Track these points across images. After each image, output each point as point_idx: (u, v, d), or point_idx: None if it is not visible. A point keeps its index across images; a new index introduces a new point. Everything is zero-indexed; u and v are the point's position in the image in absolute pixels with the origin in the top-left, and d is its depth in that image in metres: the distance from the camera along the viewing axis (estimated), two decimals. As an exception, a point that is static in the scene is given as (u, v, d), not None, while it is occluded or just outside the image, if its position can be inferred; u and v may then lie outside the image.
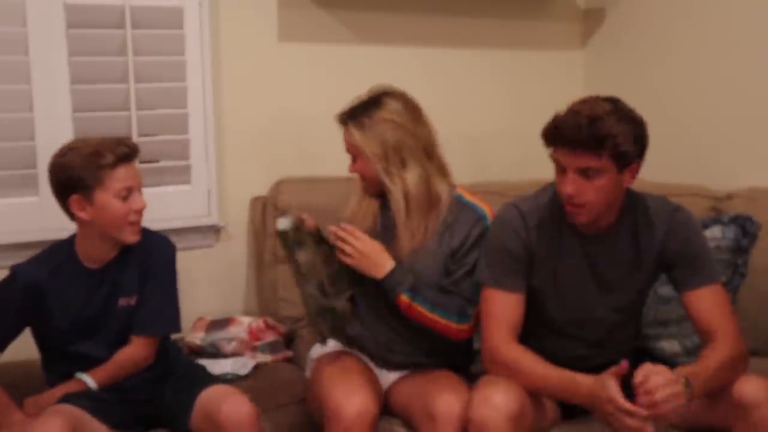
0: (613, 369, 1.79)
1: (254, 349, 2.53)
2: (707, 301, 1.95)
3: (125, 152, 2.00)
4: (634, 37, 3.11)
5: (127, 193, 2.00)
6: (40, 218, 2.41)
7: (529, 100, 3.15)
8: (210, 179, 2.69)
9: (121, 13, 2.49)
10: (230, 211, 2.75)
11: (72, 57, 2.45)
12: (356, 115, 2.10)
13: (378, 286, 2.12)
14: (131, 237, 2.03)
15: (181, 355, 2.31)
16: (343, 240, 2.08)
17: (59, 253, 2.09)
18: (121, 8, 2.49)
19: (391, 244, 2.12)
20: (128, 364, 2.08)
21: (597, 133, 1.79)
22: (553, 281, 2.02)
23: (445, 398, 1.97)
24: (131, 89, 2.53)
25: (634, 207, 2.00)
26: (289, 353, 2.57)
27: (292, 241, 2.08)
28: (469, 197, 2.18)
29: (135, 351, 2.09)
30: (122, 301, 2.08)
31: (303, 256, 2.10)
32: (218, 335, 2.52)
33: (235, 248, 2.78)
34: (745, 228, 2.45)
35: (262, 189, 2.72)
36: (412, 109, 2.13)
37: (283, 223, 2.07)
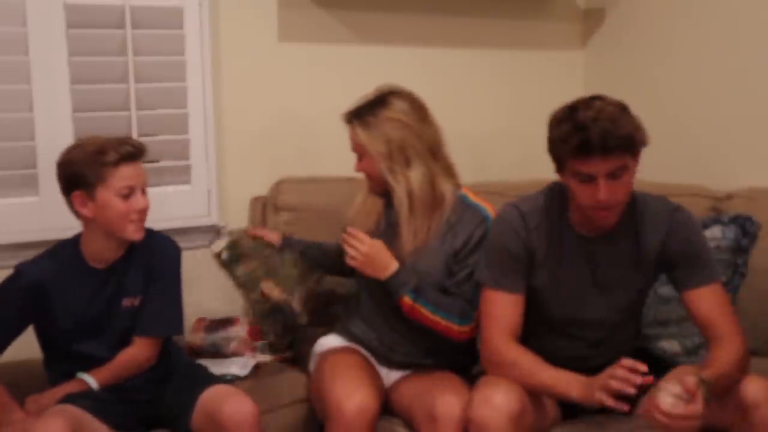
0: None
1: (254, 349, 2.53)
2: (708, 301, 1.95)
3: (129, 151, 2.01)
4: (634, 37, 3.11)
5: (129, 192, 2.00)
6: (40, 218, 2.41)
7: (529, 100, 3.15)
8: (210, 179, 2.69)
9: (121, 13, 2.49)
10: (230, 211, 2.75)
11: (72, 57, 2.44)
12: (362, 114, 2.12)
13: (382, 288, 2.13)
14: (133, 235, 2.03)
15: (183, 355, 2.32)
16: (349, 244, 2.10)
17: (64, 252, 2.09)
18: (121, 8, 2.49)
19: (394, 242, 2.13)
20: (130, 365, 2.09)
21: (626, 132, 1.81)
22: (553, 281, 2.02)
23: (446, 399, 1.97)
24: (131, 89, 2.53)
25: (635, 207, 2.00)
26: (289, 353, 2.57)
27: (228, 260, 2.30)
28: (473, 198, 2.18)
29: (137, 352, 2.10)
30: (126, 302, 2.09)
31: (242, 269, 2.29)
32: (218, 335, 2.52)
33: (236, 248, 2.78)
34: (745, 228, 2.45)
35: (262, 189, 2.71)
36: (418, 109, 2.14)
37: (217, 246, 2.29)
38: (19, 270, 2.06)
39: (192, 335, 2.51)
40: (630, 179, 1.88)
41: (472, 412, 1.84)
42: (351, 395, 1.98)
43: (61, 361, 2.09)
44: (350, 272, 2.25)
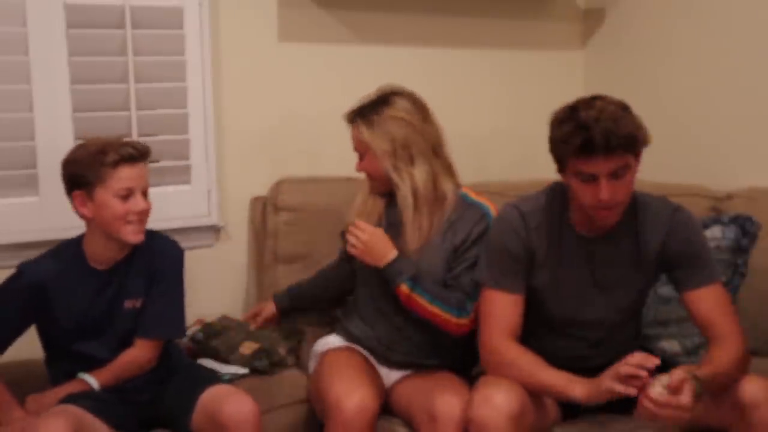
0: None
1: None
2: (708, 301, 1.95)
3: (129, 153, 2.00)
4: (634, 37, 3.11)
5: (128, 194, 2.00)
6: (40, 218, 2.41)
7: (529, 100, 3.15)
8: (210, 179, 2.69)
9: (121, 13, 2.49)
10: (230, 211, 2.75)
11: (72, 57, 2.44)
12: (365, 112, 2.13)
13: (381, 284, 2.14)
14: (131, 237, 2.03)
15: (183, 356, 2.31)
16: (351, 233, 2.13)
17: (67, 252, 2.09)
18: (121, 8, 2.49)
19: (397, 241, 2.14)
20: (132, 367, 2.09)
21: (628, 131, 1.81)
22: (553, 281, 2.02)
23: (446, 399, 1.97)
24: (131, 89, 2.52)
25: (635, 207, 2.00)
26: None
27: (204, 341, 2.41)
28: (474, 196, 2.19)
29: (139, 353, 2.09)
30: (128, 304, 2.09)
31: (222, 343, 2.41)
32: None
33: (235, 248, 2.77)
34: (745, 228, 2.45)
35: (262, 189, 2.71)
36: (421, 108, 2.17)
37: (192, 331, 2.43)
38: (22, 269, 2.06)
39: (191, 328, 2.50)
40: (631, 179, 1.89)
41: (472, 412, 1.84)
42: (350, 394, 1.98)
43: (63, 360, 2.10)
44: (350, 291, 2.32)
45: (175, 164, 2.64)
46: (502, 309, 1.99)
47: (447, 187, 2.16)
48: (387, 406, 2.13)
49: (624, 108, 1.87)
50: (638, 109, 1.90)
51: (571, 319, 2.05)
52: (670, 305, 2.35)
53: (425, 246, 2.13)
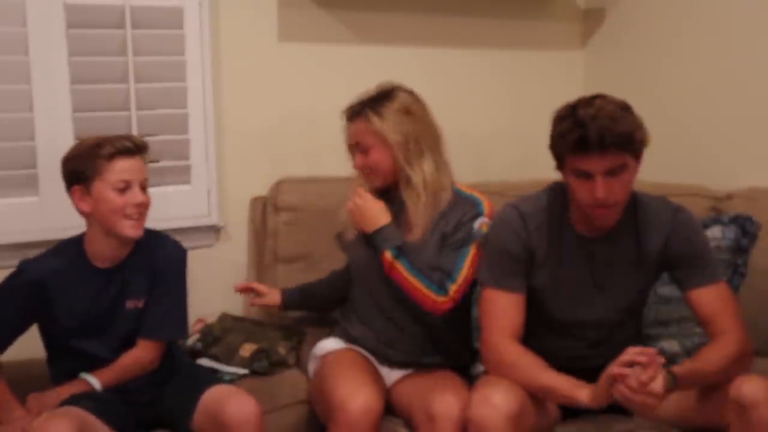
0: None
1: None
2: (710, 300, 1.96)
3: (126, 146, 2.00)
4: (634, 37, 3.11)
5: (125, 186, 1.99)
6: (40, 218, 2.41)
7: (529, 100, 3.15)
8: (210, 179, 2.69)
9: (121, 13, 2.49)
10: (230, 211, 2.75)
11: (72, 57, 2.44)
12: (373, 105, 2.13)
13: (378, 282, 2.15)
14: (129, 231, 2.02)
15: (184, 356, 2.32)
16: (351, 198, 2.16)
17: (68, 250, 2.09)
18: (121, 8, 2.49)
19: None
20: (134, 367, 2.09)
21: (624, 130, 1.82)
22: (553, 281, 2.02)
23: (444, 399, 1.97)
24: (131, 89, 2.53)
25: (635, 207, 2.00)
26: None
27: (203, 350, 2.40)
28: (465, 190, 2.22)
29: (141, 354, 2.09)
30: (129, 303, 2.08)
31: (219, 349, 2.40)
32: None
33: (235, 248, 2.77)
34: (745, 228, 2.45)
35: (262, 189, 2.71)
36: (422, 103, 2.20)
37: (190, 341, 2.42)
38: (22, 267, 2.07)
39: (191, 336, 2.50)
40: (630, 178, 1.89)
41: (470, 411, 1.84)
42: (355, 395, 1.97)
43: (64, 359, 2.09)
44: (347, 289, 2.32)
45: (175, 164, 2.64)
46: (503, 308, 1.99)
47: (446, 180, 2.18)
48: (388, 406, 2.13)
49: (624, 108, 1.87)
50: (638, 109, 1.91)
51: (571, 319, 2.05)
52: (670, 305, 2.35)
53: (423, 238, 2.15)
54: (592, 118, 1.81)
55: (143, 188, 2.04)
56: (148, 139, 2.49)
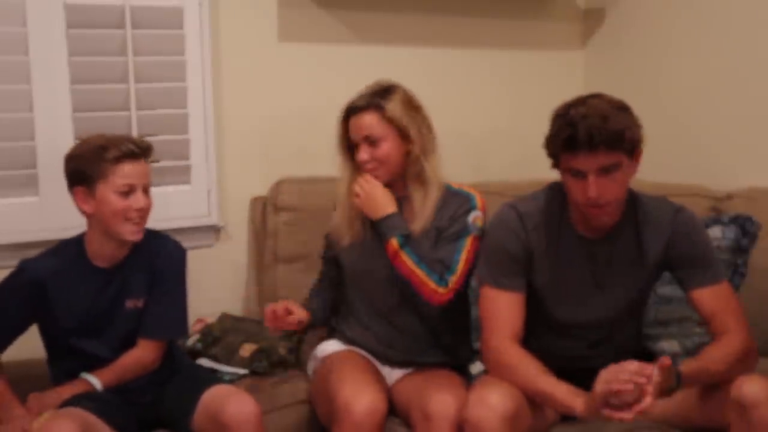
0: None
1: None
2: (713, 299, 1.96)
3: (131, 150, 2.00)
4: (634, 37, 3.11)
5: (129, 190, 2.00)
6: (40, 218, 2.41)
7: (529, 100, 3.15)
8: (210, 179, 2.69)
9: (121, 13, 2.49)
10: (230, 211, 2.75)
11: (72, 57, 2.45)
12: (383, 96, 2.13)
13: (374, 282, 2.16)
14: (130, 235, 2.03)
15: (184, 356, 2.32)
16: (359, 183, 2.15)
17: (68, 250, 2.09)
18: (121, 8, 2.49)
19: None
20: (135, 367, 2.09)
21: (614, 129, 1.81)
22: (553, 281, 2.02)
23: (441, 398, 1.97)
24: (131, 89, 2.53)
25: (635, 207, 2.00)
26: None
27: (203, 350, 2.41)
28: (455, 186, 2.22)
29: (142, 354, 2.10)
30: (129, 303, 2.08)
31: (218, 349, 2.41)
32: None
33: (235, 248, 2.78)
34: (745, 228, 2.45)
35: (262, 189, 2.72)
36: (417, 98, 2.19)
37: (190, 341, 2.43)
38: (22, 266, 2.07)
39: (191, 336, 2.50)
40: (624, 178, 1.88)
41: (467, 411, 1.84)
42: (359, 396, 1.97)
43: (64, 359, 2.09)
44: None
45: (175, 164, 2.64)
46: (502, 308, 1.99)
47: (441, 175, 2.19)
48: (390, 406, 2.13)
49: (620, 107, 1.87)
50: (638, 109, 1.91)
51: (571, 318, 2.05)
52: (670, 305, 2.35)
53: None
54: (583, 117, 1.82)
55: (146, 191, 2.04)
56: (148, 139, 2.50)
